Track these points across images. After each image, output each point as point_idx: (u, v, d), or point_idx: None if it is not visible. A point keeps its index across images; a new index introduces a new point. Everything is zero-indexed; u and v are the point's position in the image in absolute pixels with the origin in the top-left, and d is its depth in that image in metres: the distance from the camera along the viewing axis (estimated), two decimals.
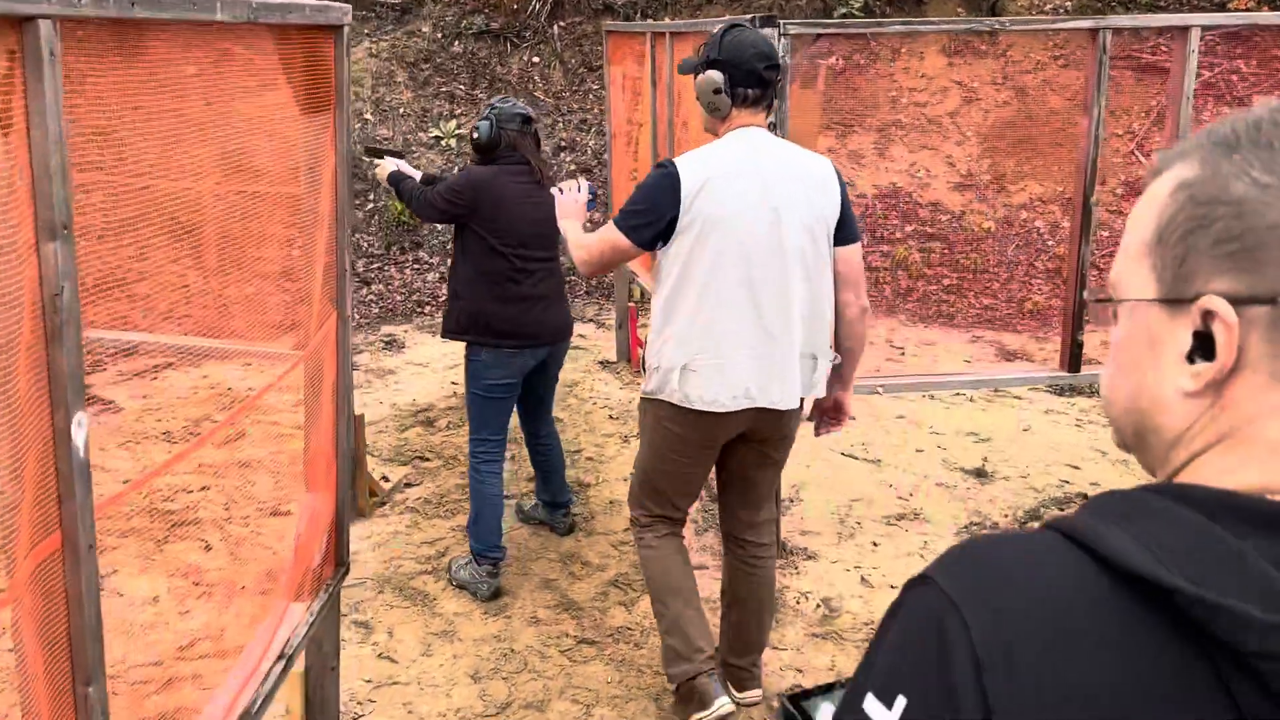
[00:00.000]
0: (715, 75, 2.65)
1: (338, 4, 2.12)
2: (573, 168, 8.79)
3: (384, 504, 4.36)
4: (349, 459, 2.39)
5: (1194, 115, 3.68)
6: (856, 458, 4.93)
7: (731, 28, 2.73)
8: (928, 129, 9.28)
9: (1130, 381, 0.69)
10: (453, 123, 9.27)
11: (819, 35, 3.35)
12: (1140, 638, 0.57)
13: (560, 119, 9.38)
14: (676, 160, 2.66)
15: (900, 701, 0.60)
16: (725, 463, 2.89)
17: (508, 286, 3.53)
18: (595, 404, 5.54)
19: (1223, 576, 0.56)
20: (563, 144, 9.21)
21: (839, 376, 2.88)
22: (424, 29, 10.15)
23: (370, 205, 8.47)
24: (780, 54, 3.43)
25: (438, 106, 9.44)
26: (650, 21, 5.41)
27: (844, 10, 9.90)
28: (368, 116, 9.25)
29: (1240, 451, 0.63)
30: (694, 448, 2.76)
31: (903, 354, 6.61)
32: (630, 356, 6.10)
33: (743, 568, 2.93)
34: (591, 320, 7.15)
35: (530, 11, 10.22)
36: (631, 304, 6.10)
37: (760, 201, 2.58)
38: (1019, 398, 5.76)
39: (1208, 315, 0.63)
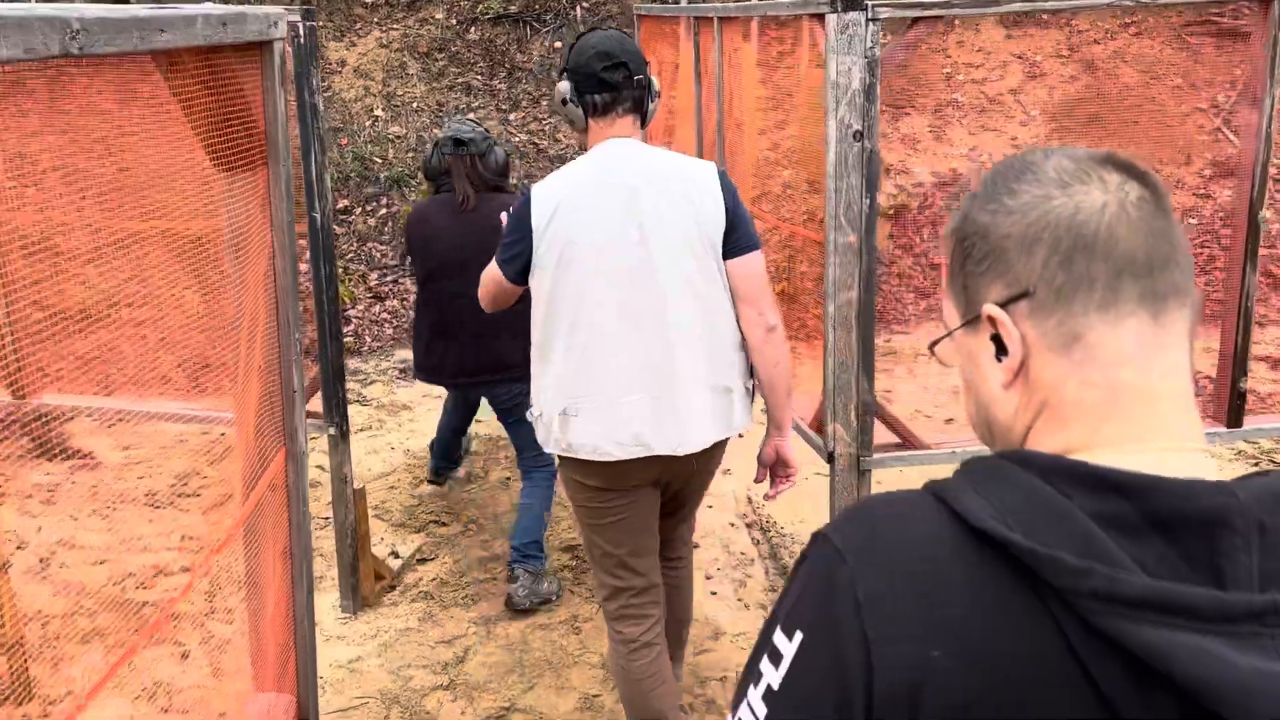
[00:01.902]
0: (562, 86, 2.44)
1: (261, 9, 1.42)
2: None
3: (393, 588, 3.70)
4: (311, 646, 1.71)
5: None
6: None
7: (586, 32, 2.51)
8: (988, 108, 8.46)
9: (973, 395, 0.84)
10: (470, 117, 8.55)
11: (915, 20, 2.61)
12: (986, 579, 0.69)
13: None
14: (535, 185, 2.42)
15: (798, 635, 0.73)
16: None
17: (438, 322, 3.48)
18: None
19: (1050, 530, 0.68)
20: None
21: (772, 420, 2.53)
22: (437, 15, 9.43)
23: (383, 210, 7.80)
24: (869, 44, 2.70)
25: (454, 100, 8.74)
26: (690, 3, 4.69)
27: None
28: (379, 113, 8.57)
29: (1056, 417, 0.77)
30: (611, 497, 2.45)
31: None
32: None
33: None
34: None
35: None
36: None
37: (625, 222, 2.31)
38: None
39: (991, 321, 0.79)
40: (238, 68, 1.38)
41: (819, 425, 3.10)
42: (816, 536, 0.77)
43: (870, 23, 2.69)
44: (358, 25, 9.34)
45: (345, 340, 6.37)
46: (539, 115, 8.65)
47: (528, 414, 2.53)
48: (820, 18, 2.75)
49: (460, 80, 8.91)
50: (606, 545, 2.51)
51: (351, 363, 6.09)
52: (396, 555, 3.85)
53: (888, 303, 6.95)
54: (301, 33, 2.97)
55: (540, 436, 2.46)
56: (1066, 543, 0.67)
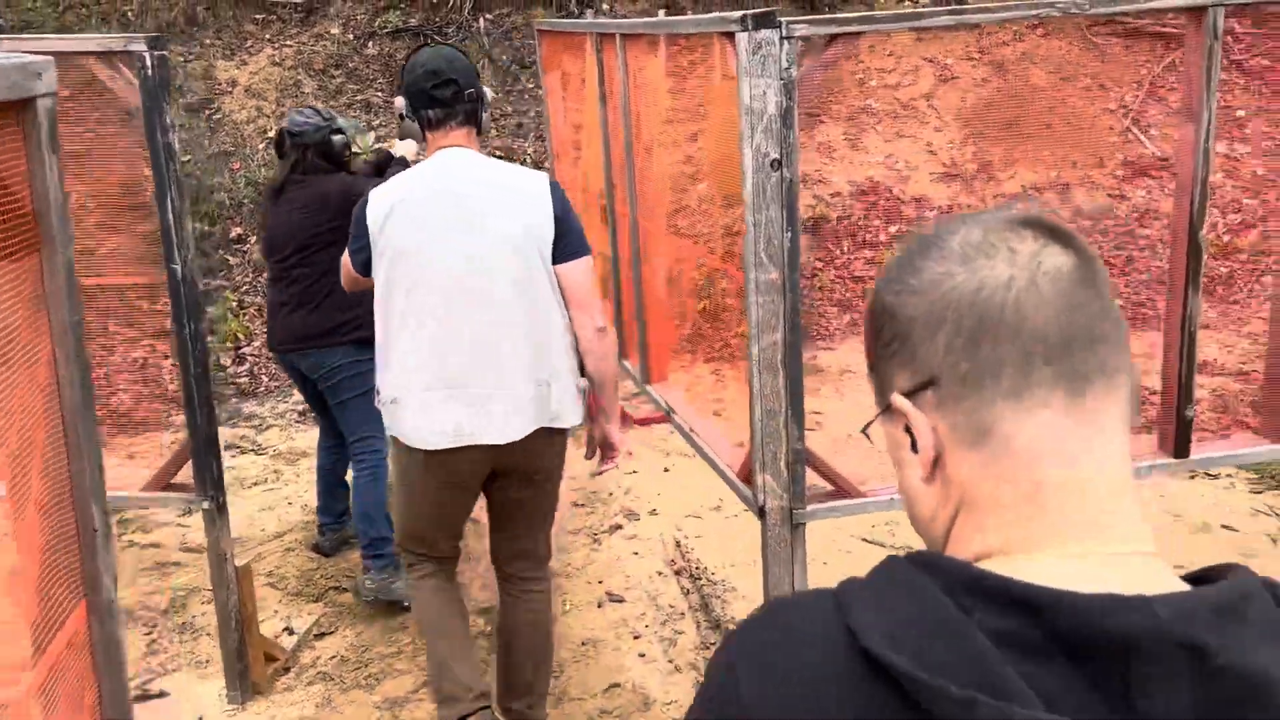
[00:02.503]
0: (399, 102, 2.68)
1: (16, 57, 1.11)
2: None
3: (288, 670, 3.34)
4: None
5: None
6: (883, 544, 4.01)
7: (418, 49, 2.77)
8: (902, 114, 8.36)
9: (900, 484, 0.77)
10: (370, 135, 8.16)
11: (833, 37, 2.38)
12: (874, 696, 0.62)
13: (493, 125, 8.32)
14: (373, 189, 2.63)
15: None
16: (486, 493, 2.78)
17: (269, 293, 3.91)
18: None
19: (943, 650, 0.61)
20: (497, 152, 8.16)
21: (600, 408, 2.75)
22: (332, 30, 9.01)
23: None
24: (784, 64, 2.46)
25: (352, 117, 8.33)
26: (593, 18, 4.39)
27: None
28: (273, 135, 8.12)
29: (974, 517, 0.70)
30: (435, 488, 2.64)
31: None
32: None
33: (510, 601, 2.82)
34: None
35: (452, 4, 9.13)
36: None
37: (455, 226, 2.50)
38: None
39: (900, 412, 0.72)
40: None
41: (748, 476, 2.85)
42: (726, 634, 0.74)
43: (785, 41, 2.45)
44: (249, 43, 8.88)
45: (240, 381, 5.96)
46: None
47: (375, 400, 2.67)
48: (730, 36, 2.50)
49: (359, 97, 8.51)
50: (415, 522, 2.72)
51: (247, 406, 5.68)
52: (291, 631, 3.49)
53: (810, 318, 6.77)
54: (149, 64, 2.62)
55: (385, 419, 2.64)
56: (961, 666, 0.60)
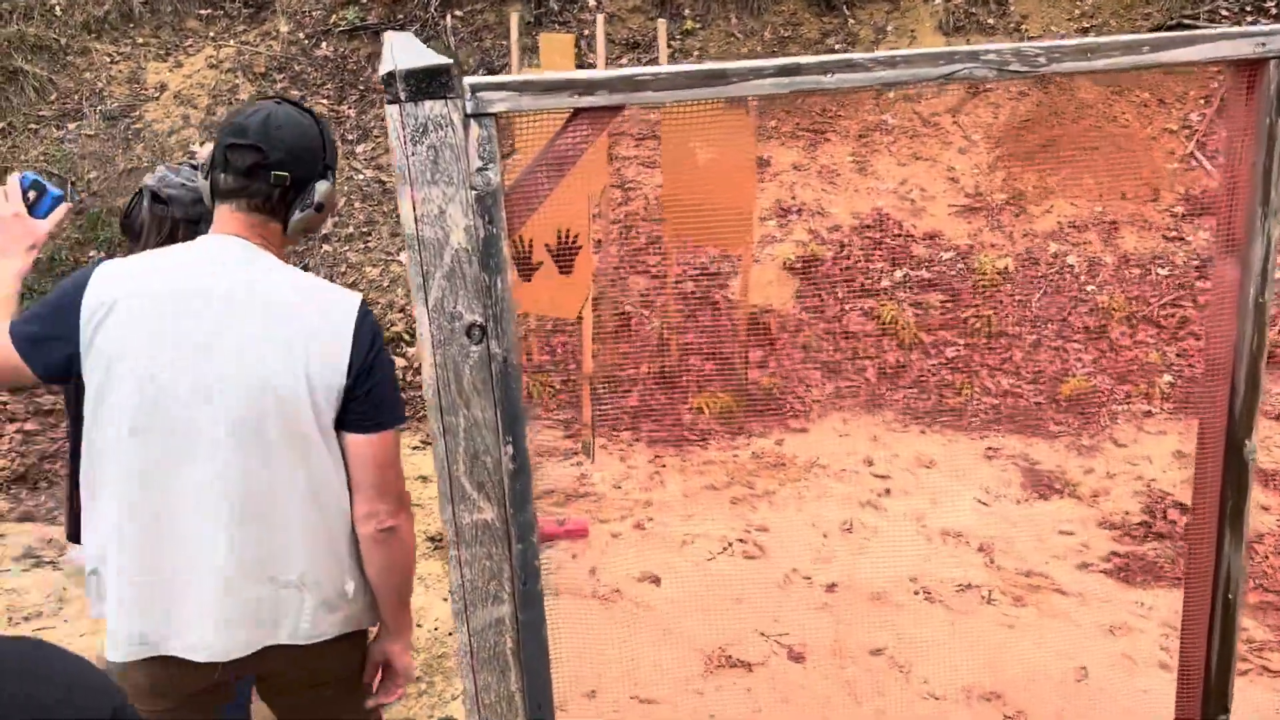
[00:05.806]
0: (204, 151, 1.95)
1: None
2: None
3: None
4: None
5: None
6: None
7: (264, 99, 1.94)
8: (921, 132, 7.15)
9: None
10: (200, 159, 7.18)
11: (577, 112, 1.25)
12: None
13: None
14: (108, 262, 1.79)
15: None
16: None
17: None
18: None
19: None
20: None
21: (383, 623, 1.95)
22: (281, 28, 8.03)
23: None
24: (477, 162, 1.37)
25: None
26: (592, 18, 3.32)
27: None
28: (195, 148, 7.18)
29: None
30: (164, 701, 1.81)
31: (888, 491, 4.53)
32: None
33: None
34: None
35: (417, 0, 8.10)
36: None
37: (184, 347, 1.72)
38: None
39: None
40: None
41: None
42: None
43: (474, 121, 1.35)
44: (188, 43, 7.93)
45: None
46: None
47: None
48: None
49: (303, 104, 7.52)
50: None
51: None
52: None
53: (789, 383, 5.62)
54: None
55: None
56: None
